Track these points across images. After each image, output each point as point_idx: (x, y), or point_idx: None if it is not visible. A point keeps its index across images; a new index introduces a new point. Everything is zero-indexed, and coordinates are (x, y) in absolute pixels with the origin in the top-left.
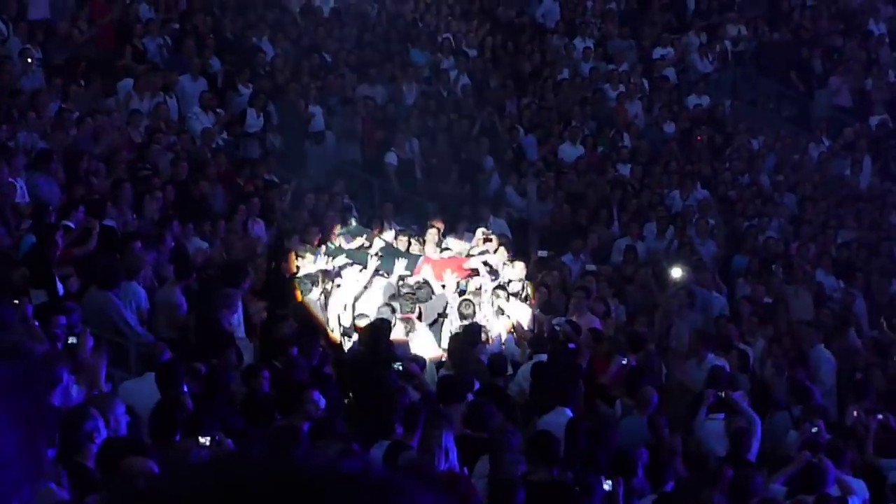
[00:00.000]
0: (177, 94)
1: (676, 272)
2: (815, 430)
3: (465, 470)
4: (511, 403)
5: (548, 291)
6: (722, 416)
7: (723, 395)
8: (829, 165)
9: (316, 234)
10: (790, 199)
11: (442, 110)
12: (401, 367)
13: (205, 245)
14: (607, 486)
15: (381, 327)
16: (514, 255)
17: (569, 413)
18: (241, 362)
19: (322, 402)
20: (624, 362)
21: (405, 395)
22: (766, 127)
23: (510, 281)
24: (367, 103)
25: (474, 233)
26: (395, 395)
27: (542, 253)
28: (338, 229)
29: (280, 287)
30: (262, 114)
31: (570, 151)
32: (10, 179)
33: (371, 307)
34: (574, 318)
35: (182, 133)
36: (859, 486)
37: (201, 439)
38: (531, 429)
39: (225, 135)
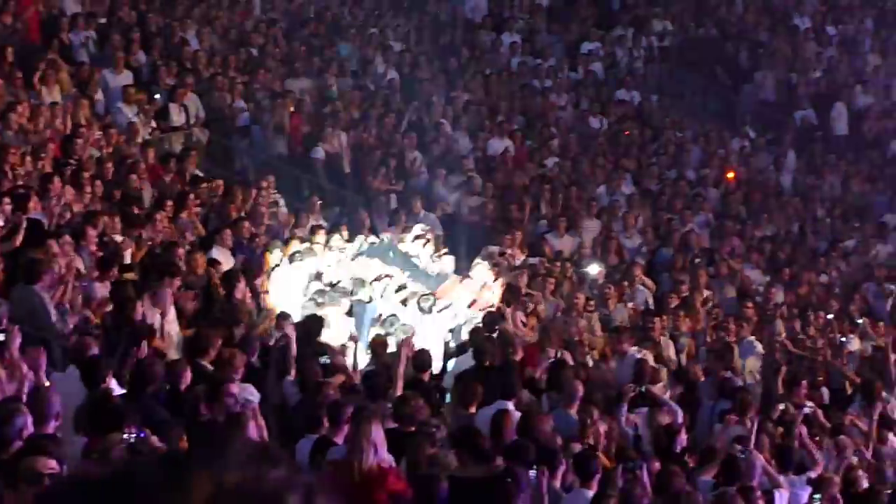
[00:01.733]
0: (102, 88)
1: (594, 268)
2: (739, 423)
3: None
4: (437, 397)
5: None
6: (645, 409)
7: (643, 389)
8: (754, 160)
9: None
10: (715, 193)
11: (370, 104)
12: (328, 361)
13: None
14: (532, 475)
15: (311, 323)
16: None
17: (510, 406)
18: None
19: (256, 396)
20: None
21: (331, 390)
22: (692, 121)
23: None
24: (295, 97)
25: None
26: (320, 390)
27: (494, 248)
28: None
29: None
30: (183, 108)
31: (498, 146)
32: None
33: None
34: (506, 312)
35: (108, 128)
36: (790, 479)
37: (125, 434)
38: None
39: (151, 129)
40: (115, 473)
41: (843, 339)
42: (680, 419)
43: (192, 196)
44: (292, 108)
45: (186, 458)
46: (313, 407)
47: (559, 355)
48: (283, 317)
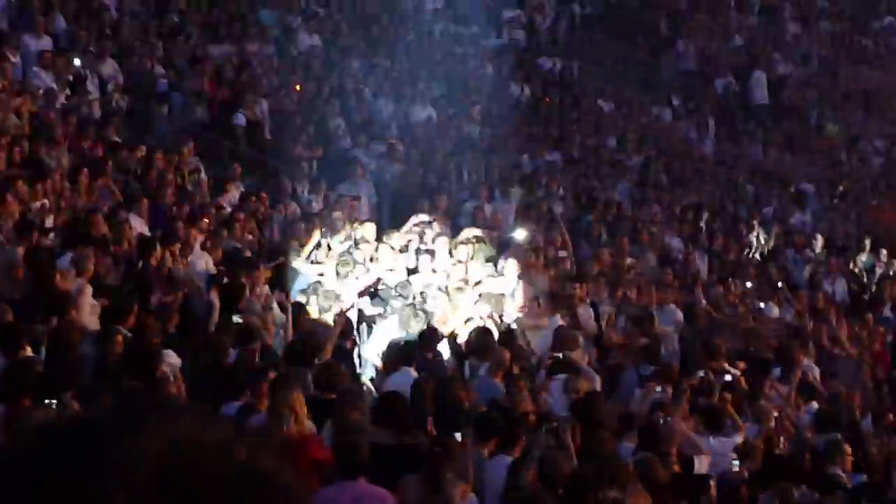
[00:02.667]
0: (22, 53)
1: (521, 234)
2: (659, 389)
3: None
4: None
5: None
6: (564, 376)
7: (562, 356)
8: (675, 128)
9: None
10: (636, 161)
11: (292, 71)
12: (241, 321)
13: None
14: (456, 439)
15: (233, 288)
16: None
17: (412, 373)
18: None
19: (177, 361)
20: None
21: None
22: (613, 90)
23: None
24: (215, 64)
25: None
26: (244, 357)
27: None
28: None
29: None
30: (96, 75)
31: (420, 113)
32: None
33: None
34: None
35: (25, 93)
36: (710, 444)
37: (47, 401)
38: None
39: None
40: (71, 420)
41: (763, 305)
42: (598, 386)
43: (110, 163)
44: (210, 75)
45: (137, 410)
46: (234, 374)
47: (483, 322)
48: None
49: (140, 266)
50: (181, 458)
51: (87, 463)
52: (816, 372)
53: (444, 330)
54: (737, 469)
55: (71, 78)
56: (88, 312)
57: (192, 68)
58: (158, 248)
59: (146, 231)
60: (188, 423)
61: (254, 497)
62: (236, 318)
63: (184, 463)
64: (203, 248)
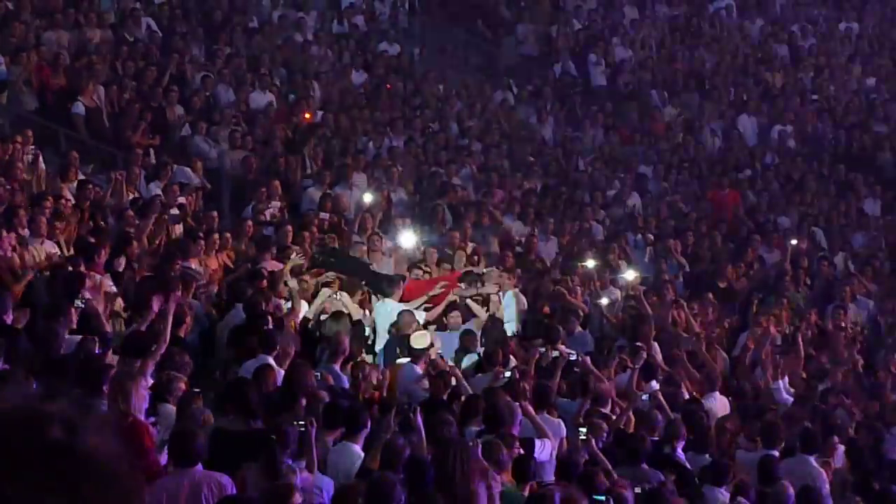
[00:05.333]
0: None
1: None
2: (507, 373)
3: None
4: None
5: None
6: (407, 360)
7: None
8: (516, 113)
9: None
10: (477, 146)
11: (130, 57)
12: (82, 304)
13: None
14: (301, 427)
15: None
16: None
17: (270, 360)
18: None
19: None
20: None
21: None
22: (453, 75)
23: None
24: (52, 50)
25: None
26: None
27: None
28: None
29: None
30: None
31: (260, 99)
32: None
33: None
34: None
35: None
36: (553, 425)
37: None
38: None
39: None
40: None
41: (603, 288)
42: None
43: None
44: (44, 62)
45: None
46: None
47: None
48: None
49: None
50: None
51: None
52: (658, 352)
53: None
54: (584, 437)
55: None
56: None
57: (26, 55)
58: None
59: None
60: (11, 401)
61: (71, 474)
62: (78, 304)
63: None
64: (47, 236)
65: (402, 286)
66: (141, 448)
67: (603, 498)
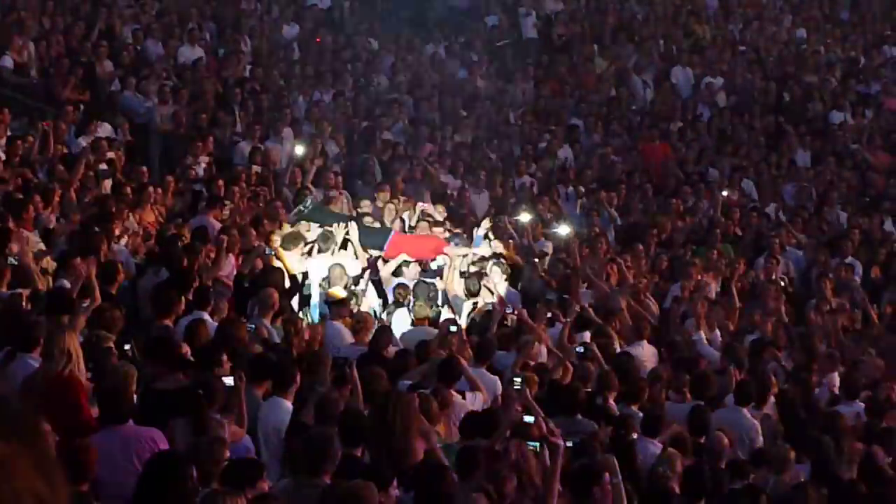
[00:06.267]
0: None
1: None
2: (453, 328)
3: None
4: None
5: None
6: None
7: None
8: (446, 66)
9: None
10: (408, 100)
11: (58, 12)
12: (15, 262)
13: None
14: (229, 381)
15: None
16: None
17: (205, 315)
18: None
19: None
20: None
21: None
22: (384, 28)
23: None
24: None
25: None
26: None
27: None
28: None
29: None
30: None
31: (189, 53)
32: None
33: None
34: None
35: None
36: (489, 381)
37: None
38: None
39: None
40: None
41: (536, 241)
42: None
43: None
44: None
45: None
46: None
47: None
48: None
49: None
50: None
51: None
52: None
53: None
54: (518, 386)
55: None
56: None
57: None
58: None
59: None
60: None
61: None
62: (11, 261)
63: None
64: None
65: (388, 240)
66: (74, 403)
67: (536, 444)
